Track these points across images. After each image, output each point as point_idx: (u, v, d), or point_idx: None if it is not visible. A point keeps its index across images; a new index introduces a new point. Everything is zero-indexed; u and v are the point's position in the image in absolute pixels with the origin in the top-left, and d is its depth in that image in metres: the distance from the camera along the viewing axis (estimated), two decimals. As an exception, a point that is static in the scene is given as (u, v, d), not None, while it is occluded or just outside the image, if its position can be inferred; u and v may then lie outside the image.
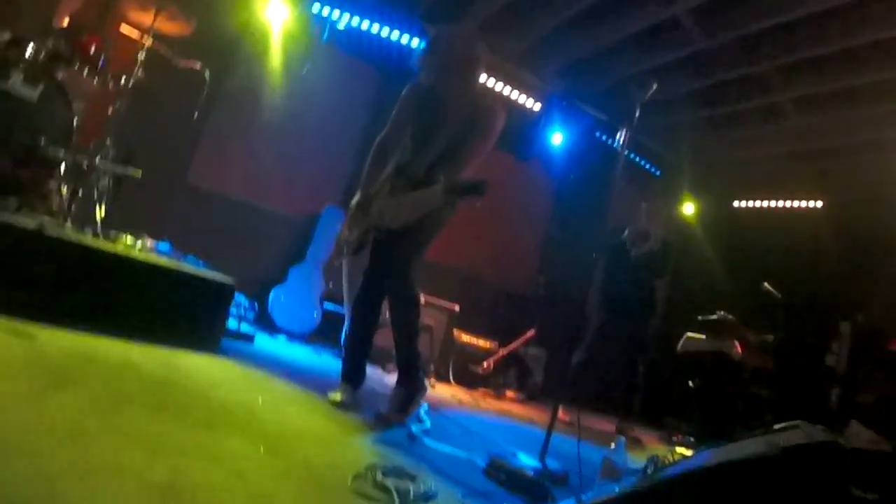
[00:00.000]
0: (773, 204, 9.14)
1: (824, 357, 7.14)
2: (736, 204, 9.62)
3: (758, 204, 9.35)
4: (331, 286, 6.54)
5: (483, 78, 3.98)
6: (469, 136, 3.75)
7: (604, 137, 8.57)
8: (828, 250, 8.14)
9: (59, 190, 4.55)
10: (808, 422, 2.75)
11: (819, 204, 8.57)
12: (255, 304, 5.83)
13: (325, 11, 6.82)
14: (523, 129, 8.27)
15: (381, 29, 7.08)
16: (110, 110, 4.87)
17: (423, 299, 6.34)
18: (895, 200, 7.74)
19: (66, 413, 2.13)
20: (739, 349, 6.63)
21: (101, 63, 4.81)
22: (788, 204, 8.94)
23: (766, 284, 6.72)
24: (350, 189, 4.01)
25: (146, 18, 4.98)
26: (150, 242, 4.72)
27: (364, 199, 3.89)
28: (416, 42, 7.10)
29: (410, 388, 3.86)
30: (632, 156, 8.73)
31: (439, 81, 3.84)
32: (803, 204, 8.74)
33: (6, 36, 4.27)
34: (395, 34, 7.12)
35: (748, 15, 5.83)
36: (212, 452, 2.23)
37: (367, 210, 3.87)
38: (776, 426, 2.89)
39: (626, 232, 6.47)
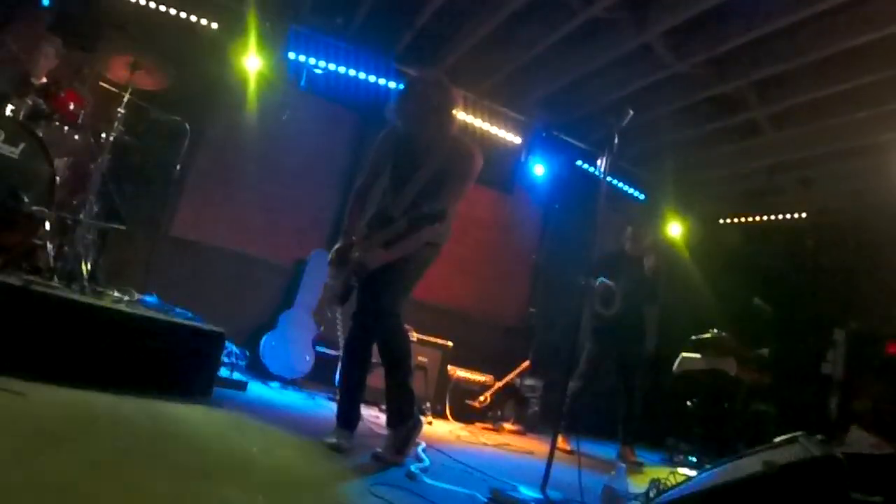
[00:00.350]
0: (758, 218, 9.17)
1: (820, 366, 7.15)
2: (721, 221, 9.65)
3: (743, 220, 9.38)
4: (322, 329, 6.52)
5: (458, 118, 4.00)
6: (446, 180, 3.80)
7: (585, 165, 8.62)
8: (816, 260, 8.18)
9: (45, 247, 4.55)
10: (808, 433, 2.75)
11: (804, 214, 8.61)
12: (247, 351, 5.80)
13: (302, 58, 6.87)
14: (505, 163, 8.32)
15: (357, 73, 7.12)
16: (92, 166, 4.88)
17: (415, 337, 6.37)
18: (877, 205, 7.81)
19: (58, 471, 2.11)
20: (735, 366, 6.62)
21: (80, 119, 4.84)
22: (774, 217, 8.96)
23: (756, 300, 6.73)
24: (335, 233, 4.03)
25: (123, 74, 5.02)
26: (136, 296, 4.70)
27: (344, 247, 3.91)
28: (392, 85, 7.15)
29: (406, 428, 3.84)
30: (615, 182, 8.76)
31: (415, 127, 3.90)
32: (788, 216, 8.77)
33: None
34: (372, 78, 7.17)
35: (717, 36, 5.90)
36: (209, 502, 2.20)
37: (346, 258, 3.88)
38: (776, 440, 2.89)
39: (595, 293, 6.38)
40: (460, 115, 4.40)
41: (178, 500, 2.15)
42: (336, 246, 3.96)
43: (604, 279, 6.16)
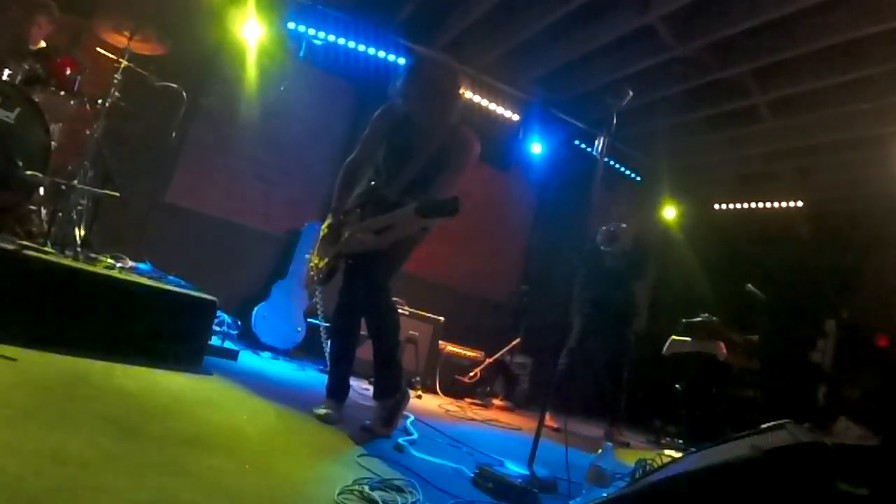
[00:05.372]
0: (753, 205, 9.19)
1: (810, 355, 7.20)
2: (716, 206, 9.66)
3: (738, 206, 9.40)
4: (314, 301, 6.53)
5: (462, 104, 3.94)
6: (444, 165, 3.76)
7: (582, 145, 8.61)
8: (810, 249, 8.21)
9: (38, 212, 4.54)
10: (795, 420, 2.77)
11: (800, 203, 8.62)
12: (238, 321, 5.81)
13: (301, 28, 6.83)
14: (502, 140, 8.30)
15: (357, 45, 7.08)
16: (88, 132, 4.86)
17: (406, 311, 6.38)
18: (874, 197, 7.83)
19: (49, 435, 2.12)
20: (724, 350, 6.66)
21: (76, 85, 4.81)
22: (769, 205, 8.98)
23: (749, 286, 6.76)
24: (330, 205, 3.99)
25: (121, 40, 4.99)
26: (129, 263, 4.70)
27: (334, 225, 3.88)
28: (392, 58, 7.12)
29: (394, 400, 3.86)
30: (611, 163, 8.76)
31: (417, 109, 3.79)
32: (784, 204, 8.79)
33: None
34: (372, 50, 7.13)
35: (720, 21, 5.89)
36: (197, 471, 2.22)
37: (337, 237, 3.86)
38: (763, 426, 2.91)
39: (598, 234, 6.45)
40: (465, 95, 4.33)
41: (166, 467, 2.16)
42: (326, 222, 3.95)
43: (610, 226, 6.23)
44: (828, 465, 2.26)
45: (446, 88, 3.77)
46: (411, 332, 6.47)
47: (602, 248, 6.35)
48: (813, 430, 2.71)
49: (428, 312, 6.87)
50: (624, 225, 6.38)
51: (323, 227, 3.95)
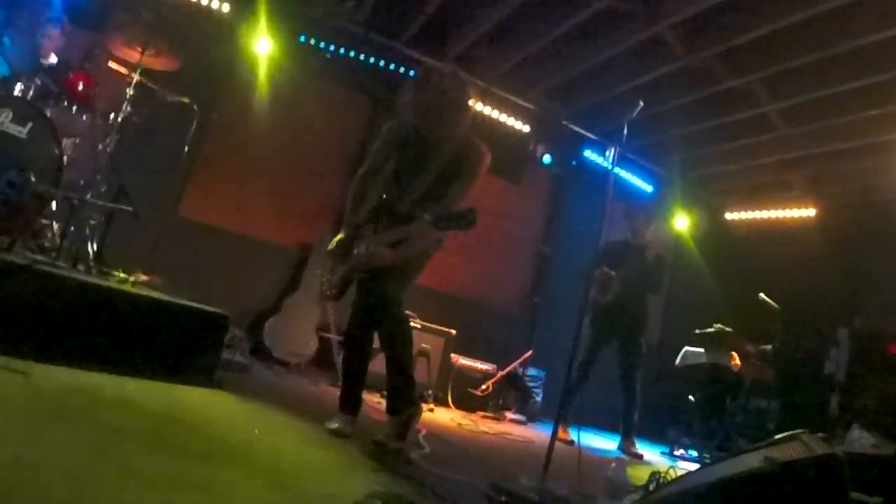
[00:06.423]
0: (765, 214, 9.15)
1: (823, 364, 7.14)
2: (728, 216, 9.63)
3: (750, 215, 9.36)
4: (327, 315, 6.53)
5: (471, 115, 3.93)
6: (455, 176, 3.76)
7: (594, 156, 8.61)
8: (822, 257, 8.15)
9: (51, 227, 4.56)
10: (809, 430, 2.75)
11: (812, 212, 8.57)
12: (251, 334, 5.81)
13: (313, 42, 6.87)
14: (514, 152, 8.31)
15: (368, 58, 7.12)
16: (100, 146, 4.89)
17: (418, 324, 6.37)
18: (886, 203, 7.79)
19: (62, 449, 2.12)
20: (738, 361, 6.62)
21: (89, 99, 4.84)
22: (781, 213, 8.94)
23: (761, 295, 6.72)
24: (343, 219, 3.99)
25: (133, 55, 5.02)
26: (142, 277, 4.71)
27: (347, 239, 3.88)
28: (402, 70, 7.15)
29: (406, 414, 3.84)
30: (623, 173, 8.76)
31: (426, 121, 3.75)
32: (796, 212, 8.75)
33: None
34: (383, 63, 7.16)
35: (729, 29, 5.89)
36: (209, 486, 2.21)
37: (348, 251, 3.86)
38: (777, 437, 2.88)
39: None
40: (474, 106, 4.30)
41: (177, 482, 2.16)
42: (337, 238, 3.93)
43: (604, 268, 6.16)
44: (842, 477, 2.24)
45: (454, 99, 3.74)
46: (423, 345, 6.45)
47: (595, 296, 6.31)
48: (827, 441, 2.69)
49: (439, 324, 6.85)
50: (649, 242, 6.40)
51: (334, 240, 3.94)
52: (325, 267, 4.09)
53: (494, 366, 7.20)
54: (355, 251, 3.80)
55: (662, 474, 3.80)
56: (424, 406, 4.72)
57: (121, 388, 3.26)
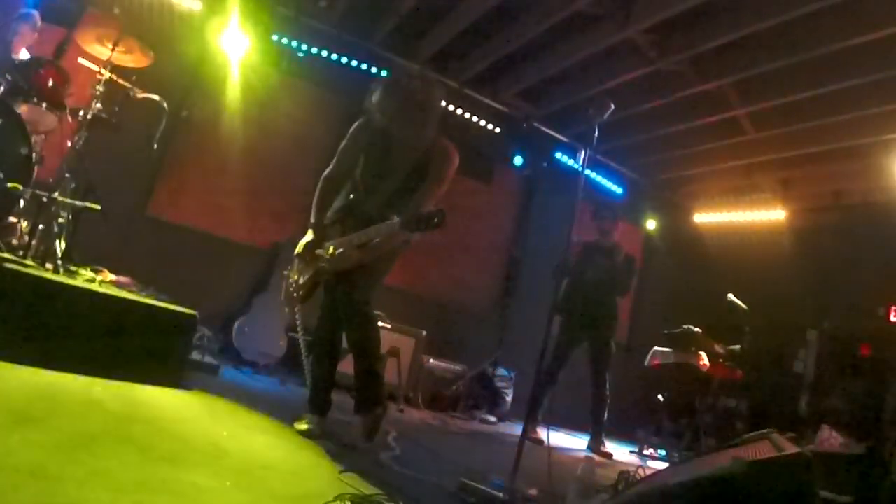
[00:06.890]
0: (735, 216, 9.23)
1: (792, 364, 7.24)
2: (698, 218, 9.71)
3: (720, 217, 9.44)
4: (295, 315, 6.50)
5: (441, 117, 3.92)
6: (424, 178, 3.77)
7: (564, 158, 8.66)
8: (791, 259, 8.25)
9: (20, 224, 4.50)
10: (778, 430, 2.78)
11: (781, 214, 8.66)
12: (220, 335, 5.77)
13: (285, 41, 6.84)
14: (485, 153, 8.33)
15: (340, 58, 7.10)
16: (69, 143, 4.83)
17: (388, 324, 6.36)
18: (855, 207, 7.91)
19: (28, 450, 2.10)
20: (706, 361, 6.69)
21: (58, 96, 4.78)
22: (751, 215, 9.02)
23: (730, 296, 6.79)
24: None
25: (104, 51, 4.96)
26: (110, 276, 4.66)
27: (314, 240, 3.86)
28: (375, 70, 7.14)
29: (374, 414, 3.84)
30: (593, 175, 8.81)
31: (395, 123, 3.73)
32: (765, 215, 8.83)
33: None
34: (355, 63, 7.15)
35: (700, 34, 5.95)
36: (177, 488, 2.20)
37: (317, 252, 3.84)
38: (746, 436, 2.92)
39: (588, 246, 6.49)
40: (443, 107, 4.30)
41: (145, 484, 2.14)
42: (304, 240, 3.91)
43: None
44: (810, 476, 2.27)
45: (423, 101, 3.72)
46: (394, 346, 6.42)
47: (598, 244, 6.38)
48: (796, 440, 2.73)
49: (409, 325, 6.85)
50: (618, 244, 6.47)
51: (301, 242, 3.92)
52: (291, 269, 4.08)
53: (465, 366, 7.21)
54: (322, 253, 3.79)
55: (632, 473, 3.84)
56: (394, 406, 4.72)
57: (87, 388, 3.23)
